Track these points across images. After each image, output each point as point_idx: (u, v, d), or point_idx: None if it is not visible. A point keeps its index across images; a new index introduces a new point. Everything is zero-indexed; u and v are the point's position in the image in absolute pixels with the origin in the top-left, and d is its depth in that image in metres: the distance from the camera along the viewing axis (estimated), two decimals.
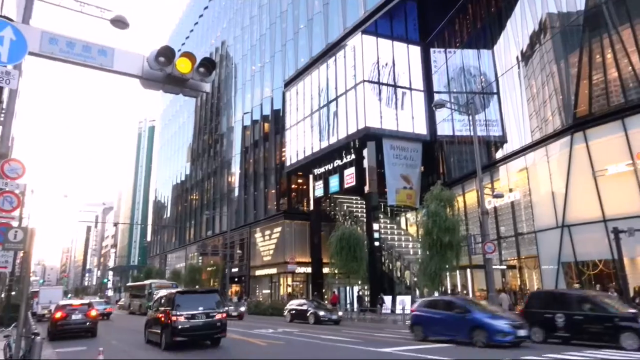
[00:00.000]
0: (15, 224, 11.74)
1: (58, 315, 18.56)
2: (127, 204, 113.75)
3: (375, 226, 30.98)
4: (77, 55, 6.56)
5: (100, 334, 19.45)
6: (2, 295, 31.79)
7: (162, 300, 14.59)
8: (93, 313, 19.19)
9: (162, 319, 13.46)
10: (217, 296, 13.86)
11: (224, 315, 13.46)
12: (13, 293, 26.89)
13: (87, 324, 18.75)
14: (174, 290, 14.61)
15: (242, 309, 29.44)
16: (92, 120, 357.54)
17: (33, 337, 7.94)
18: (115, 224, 58.83)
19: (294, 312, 25.13)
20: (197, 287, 38.65)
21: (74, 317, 18.65)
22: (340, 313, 24.68)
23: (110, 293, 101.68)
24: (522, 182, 24.66)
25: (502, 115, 27.32)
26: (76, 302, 21.25)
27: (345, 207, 36.88)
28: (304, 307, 24.73)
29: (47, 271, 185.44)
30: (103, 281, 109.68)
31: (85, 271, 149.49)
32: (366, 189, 31.53)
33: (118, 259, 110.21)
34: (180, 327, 12.78)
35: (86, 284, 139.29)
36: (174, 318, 12.84)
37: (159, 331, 13.54)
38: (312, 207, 39.21)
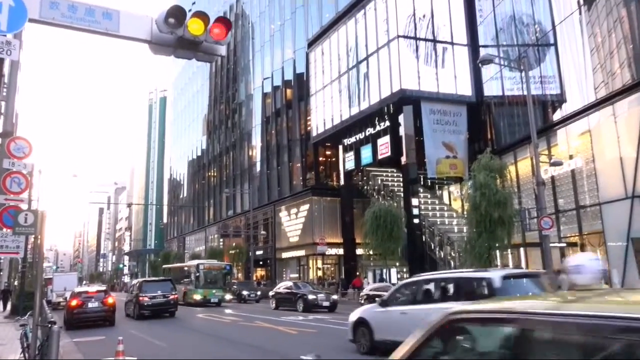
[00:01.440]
0: (24, 206, 12.18)
1: (74, 303, 19.36)
2: (141, 183, 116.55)
3: (414, 201, 30.86)
4: (80, 20, 6.57)
5: (119, 322, 20.24)
6: (16, 283, 33.33)
7: (136, 287, 23.87)
8: (110, 300, 19.94)
9: (134, 299, 22.57)
10: (171, 284, 23.61)
11: (176, 296, 23.10)
12: (27, 280, 28.25)
13: (105, 312, 19.53)
14: (141, 279, 25.11)
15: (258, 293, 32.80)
16: (100, 94, 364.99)
17: (50, 326, 8.29)
18: (129, 205, 60.70)
19: (279, 297, 24.84)
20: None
21: (90, 305, 19.42)
22: (334, 296, 24.11)
23: (126, 279, 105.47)
24: (584, 147, 23.94)
25: (560, 70, 26.39)
26: (92, 289, 22.09)
27: (379, 181, 36.79)
28: (292, 291, 24.14)
29: (60, 257, 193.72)
30: (118, 267, 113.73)
31: (100, 256, 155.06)
32: (403, 159, 31.36)
33: (133, 243, 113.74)
34: (145, 304, 22.08)
35: (101, 269, 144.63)
36: (141, 298, 22.14)
37: (132, 307, 22.86)
38: (342, 182, 39.25)
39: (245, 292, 32.69)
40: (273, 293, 25.65)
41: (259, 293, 33.29)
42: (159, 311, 22.16)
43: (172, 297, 22.63)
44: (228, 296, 30.75)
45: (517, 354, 2.04)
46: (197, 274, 30.67)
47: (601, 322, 1.78)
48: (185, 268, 34.15)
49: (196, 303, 29.23)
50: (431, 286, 9.54)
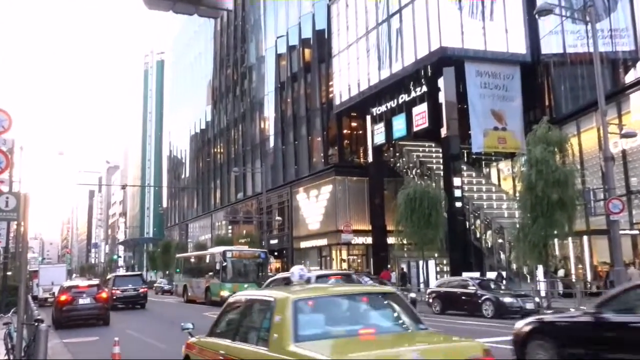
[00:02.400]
0: (5, 188, 12.44)
1: (63, 299, 19.87)
2: (136, 162, 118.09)
3: (457, 181, 30.71)
4: None
5: (114, 321, 20.73)
6: None
7: (110, 282, 30.03)
8: (104, 296, 20.39)
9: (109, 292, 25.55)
10: (140, 278, 31.64)
11: (145, 289, 29.71)
12: (9, 273, 28.96)
13: (98, 309, 20.02)
14: (114, 274, 34.43)
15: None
16: (88, 58, 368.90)
17: (36, 324, 8.47)
18: (123, 187, 61.50)
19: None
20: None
21: (81, 301, 19.90)
22: None
23: (122, 272, 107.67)
24: None
25: (634, 22, 25.66)
26: (83, 283, 22.58)
27: (415, 157, 36.63)
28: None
29: (47, 247, 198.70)
30: (112, 258, 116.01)
31: (91, 246, 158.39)
32: (443, 131, 31.15)
33: (129, 231, 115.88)
34: (116, 297, 27.96)
35: (93, 261, 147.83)
36: (113, 291, 27.80)
37: None
38: (370, 159, 39.18)
39: None
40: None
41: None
42: (129, 303, 28.38)
43: (142, 290, 29.28)
44: None
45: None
46: (224, 264, 28.04)
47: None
48: (208, 257, 31.88)
49: (223, 301, 28.89)
50: None
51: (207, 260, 31.63)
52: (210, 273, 30.00)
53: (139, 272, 36.34)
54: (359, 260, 42.26)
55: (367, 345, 4.99)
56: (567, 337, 8.32)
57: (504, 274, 26.99)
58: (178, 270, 37.58)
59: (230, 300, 6.79)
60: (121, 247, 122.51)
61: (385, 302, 5.99)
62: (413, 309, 5.96)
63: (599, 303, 8.24)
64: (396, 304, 5.85)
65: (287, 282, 16.00)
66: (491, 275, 26.03)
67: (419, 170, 35.58)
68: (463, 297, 20.84)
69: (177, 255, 40.65)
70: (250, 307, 6.27)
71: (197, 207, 74.90)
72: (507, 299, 19.62)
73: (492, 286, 21.03)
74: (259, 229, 47.03)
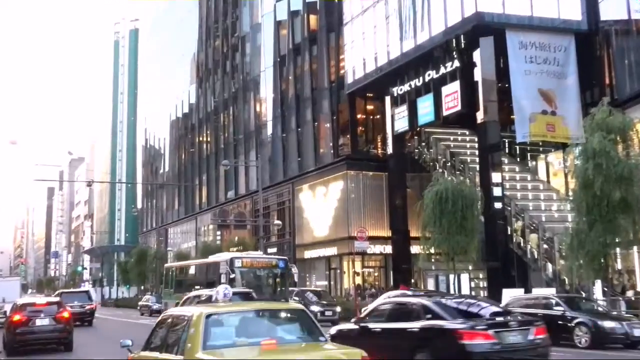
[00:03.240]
0: None
1: (16, 319, 19.86)
2: (105, 153, 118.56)
3: (496, 177, 30.56)
4: None
5: (78, 345, 20.81)
6: None
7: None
8: (66, 315, 20.43)
9: None
10: (87, 295, 37.27)
11: (93, 306, 35.71)
12: None
13: (59, 332, 20.05)
14: (60, 291, 42.02)
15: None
16: (46, 29, 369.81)
17: None
18: (89, 184, 61.09)
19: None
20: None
21: (39, 322, 19.92)
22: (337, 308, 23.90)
23: (88, 287, 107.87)
24: None
25: None
26: (41, 300, 22.63)
27: (445, 148, 36.56)
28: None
29: None
30: (76, 269, 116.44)
31: (50, 255, 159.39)
32: (479, 116, 31.02)
33: (96, 237, 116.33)
34: None
35: (53, 273, 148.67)
36: None
37: None
38: (390, 150, 39.15)
39: (316, 309, 30.01)
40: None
41: (338, 309, 31.04)
42: (76, 320, 29.14)
43: (88, 307, 34.36)
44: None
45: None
46: (232, 276, 26.52)
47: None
48: (209, 267, 30.79)
49: None
50: None
51: (208, 271, 30.37)
52: (212, 287, 29.45)
53: (85, 289, 45.39)
54: (376, 274, 42.16)
55: (263, 353, 7.24)
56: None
57: (553, 291, 26.84)
58: (167, 284, 36.47)
59: (162, 317, 8.99)
60: (87, 257, 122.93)
61: (291, 317, 8.38)
62: (316, 323, 8.05)
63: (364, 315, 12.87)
64: (301, 319, 8.14)
65: (201, 300, 19.29)
66: (541, 291, 25.69)
67: (449, 164, 35.43)
68: (545, 321, 20.31)
69: (167, 266, 39.62)
70: (175, 322, 8.25)
71: (178, 208, 75.02)
72: (609, 324, 18.81)
73: (585, 306, 20.30)
74: (254, 235, 47.05)
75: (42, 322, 19.94)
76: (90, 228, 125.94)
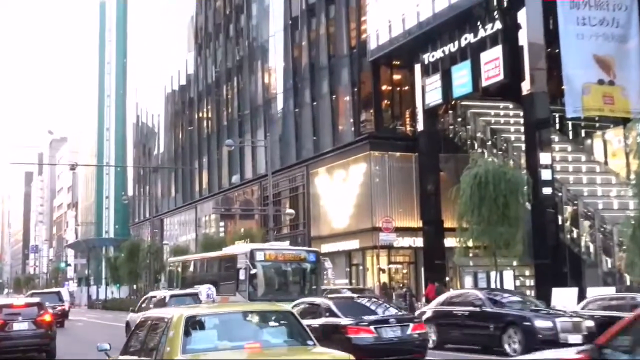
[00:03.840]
0: None
1: None
2: (90, 132, 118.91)
3: (545, 158, 30.44)
4: None
5: (61, 352, 20.90)
6: None
7: None
8: (47, 318, 20.50)
9: None
10: (57, 296, 41.19)
11: (64, 307, 40.28)
12: None
13: (40, 337, 20.06)
14: (31, 291, 48.58)
15: None
16: None
17: None
18: (73, 167, 61.07)
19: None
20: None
21: (16, 326, 19.97)
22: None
23: (72, 287, 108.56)
24: None
25: None
26: (19, 301, 22.69)
27: (484, 124, 36.39)
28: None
29: None
30: (59, 266, 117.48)
31: (29, 250, 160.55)
32: (525, 87, 30.91)
33: (81, 229, 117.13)
34: None
35: (32, 271, 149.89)
36: None
37: None
38: (421, 126, 39.03)
39: None
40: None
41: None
42: None
43: (59, 308, 36.38)
44: None
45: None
46: (252, 271, 25.80)
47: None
48: (224, 261, 29.96)
49: None
50: None
51: (223, 267, 29.62)
52: (228, 285, 29.01)
53: (56, 290, 49.90)
54: (405, 271, 42.06)
55: (246, 357, 7.80)
56: None
57: (613, 290, 26.54)
58: (171, 282, 36.08)
59: (141, 319, 9.62)
60: (71, 252, 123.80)
61: (278, 320, 8.96)
62: (304, 327, 8.62)
63: None
64: (288, 322, 8.77)
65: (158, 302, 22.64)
66: (607, 291, 25.11)
67: (490, 143, 35.35)
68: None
69: (171, 260, 39.35)
70: (155, 324, 8.73)
71: (175, 195, 75.27)
72: None
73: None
74: (263, 226, 47.04)
75: (20, 326, 20.02)
76: (74, 219, 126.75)
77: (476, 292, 21.91)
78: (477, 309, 19.75)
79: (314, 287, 26.70)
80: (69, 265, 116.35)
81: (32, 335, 20.02)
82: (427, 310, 22.53)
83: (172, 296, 26.33)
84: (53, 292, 44.47)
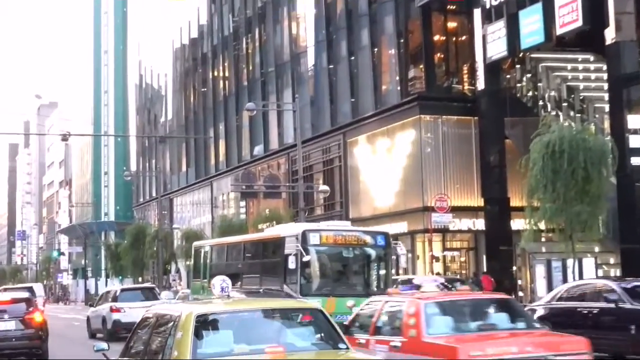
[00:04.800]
0: None
1: None
2: (85, 96, 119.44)
3: (634, 121, 30.16)
4: None
5: (54, 355, 21.36)
6: None
7: None
8: (37, 318, 20.83)
9: None
10: (29, 291, 36.67)
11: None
12: None
13: (28, 339, 20.42)
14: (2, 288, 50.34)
15: None
16: None
17: None
18: (65, 137, 61.02)
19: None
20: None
21: (2, 326, 20.34)
22: None
23: (65, 280, 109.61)
24: None
25: None
26: (4, 296, 23.05)
27: (559, 81, 36.18)
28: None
29: None
30: (50, 255, 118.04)
31: (15, 236, 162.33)
32: (609, 35, 30.56)
33: (76, 211, 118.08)
34: None
35: (19, 261, 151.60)
36: None
37: None
38: (481, 85, 38.72)
39: None
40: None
41: None
42: None
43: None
44: None
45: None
46: (305, 258, 24.86)
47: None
48: (267, 245, 29.22)
49: None
50: None
51: (265, 252, 28.68)
52: (273, 276, 28.24)
53: (29, 285, 50.72)
54: (463, 259, 42.02)
55: None
56: None
57: None
58: (198, 272, 35.08)
59: (144, 315, 9.64)
60: (64, 238, 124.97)
61: (305, 319, 8.98)
62: (336, 327, 8.65)
63: None
64: (317, 321, 8.77)
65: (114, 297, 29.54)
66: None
67: (566, 103, 35.16)
68: None
69: (196, 245, 37.81)
70: (160, 323, 8.83)
71: (187, 170, 75.63)
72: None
73: None
74: (292, 206, 47.17)
75: (6, 325, 20.35)
76: (67, 199, 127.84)
77: (608, 283, 20.28)
78: (611, 305, 18.30)
79: (384, 278, 25.94)
80: (63, 254, 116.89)
81: (20, 336, 20.31)
82: (538, 307, 21.46)
83: (122, 290, 27.45)
84: (25, 288, 44.72)
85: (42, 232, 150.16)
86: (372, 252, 25.91)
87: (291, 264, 24.44)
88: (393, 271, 29.58)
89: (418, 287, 14.25)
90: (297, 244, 24.65)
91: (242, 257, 30.42)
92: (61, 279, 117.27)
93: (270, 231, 30.31)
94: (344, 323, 14.62)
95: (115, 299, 32.21)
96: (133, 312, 27.57)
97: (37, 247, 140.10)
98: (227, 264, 31.32)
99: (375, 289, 24.21)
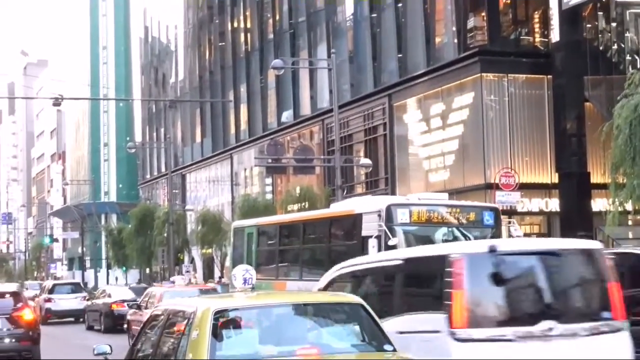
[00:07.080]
0: None
1: None
2: (80, 52, 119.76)
3: None
4: None
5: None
6: None
7: None
8: (27, 316, 21.16)
9: None
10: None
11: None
12: None
13: (18, 339, 20.80)
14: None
15: None
16: None
17: None
18: (57, 102, 60.82)
19: None
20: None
21: None
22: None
23: (59, 271, 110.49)
24: None
25: None
26: None
27: None
28: None
29: None
30: (42, 241, 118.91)
31: (1, 220, 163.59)
32: None
33: (71, 190, 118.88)
34: None
35: (5, 248, 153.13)
36: None
37: None
38: (556, 37, 38.65)
39: None
40: None
41: None
42: None
43: None
44: None
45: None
46: (390, 242, 22.96)
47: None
48: (337, 224, 28.07)
49: None
50: None
51: (334, 234, 27.75)
52: (345, 261, 26.97)
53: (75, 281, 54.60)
54: None
55: None
56: None
57: None
58: (240, 259, 33.62)
59: (153, 312, 10.11)
60: (57, 222, 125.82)
61: (343, 315, 9.07)
62: (380, 325, 8.69)
63: None
64: (357, 317, 8.83)
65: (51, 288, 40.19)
66: None
67: None
68: None
69: (237, 226, 34.75)
70: (172, 320, 9.03)
71: (202, 141, 75.90)
72: None
73: None
74: (327, 184, 47.24)
75: None
76: (60, 175, 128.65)
77: None
78: None
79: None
80: (56, 240, 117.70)
81: (7, 335, 20.56)
82: None
83: (55, 285, 30.56)
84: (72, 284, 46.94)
85: (32, 214, 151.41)
86: (477, 232, 24.44)
87: (372, 249, 22.85)
88: None
89: None
90: (379, 223, 23.49)
91: (302, 240, 29.27)
92: (54, 270, 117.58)
93: (341, 206, 29.33)
94: None
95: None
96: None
97: (26, 232, 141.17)
98: (281, 251, 30.37)
99: None
